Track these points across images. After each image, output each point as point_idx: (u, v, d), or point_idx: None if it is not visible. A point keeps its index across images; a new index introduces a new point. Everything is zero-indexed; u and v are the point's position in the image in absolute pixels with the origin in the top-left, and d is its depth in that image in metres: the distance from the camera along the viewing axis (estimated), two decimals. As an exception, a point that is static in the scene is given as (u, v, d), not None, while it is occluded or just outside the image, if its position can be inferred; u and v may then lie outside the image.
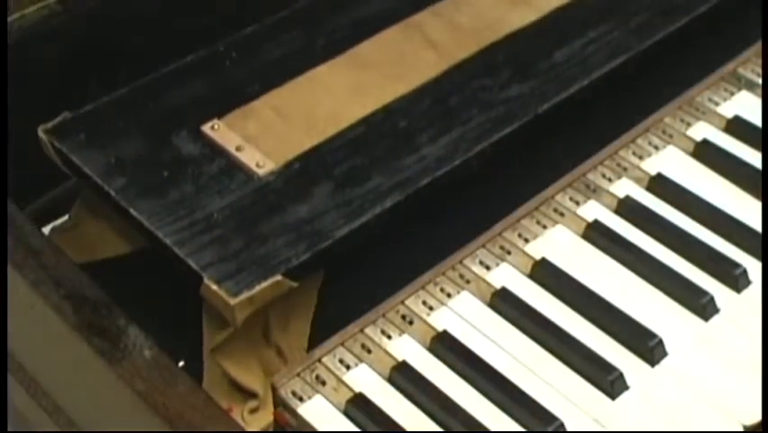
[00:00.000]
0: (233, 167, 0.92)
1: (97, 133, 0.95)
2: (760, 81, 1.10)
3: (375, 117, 0.97)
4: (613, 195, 1.00)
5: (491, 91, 0.99)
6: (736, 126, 1.06)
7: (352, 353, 0.89)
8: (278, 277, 0.85)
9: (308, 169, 0.93)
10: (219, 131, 0.95)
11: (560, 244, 0.96)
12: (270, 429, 0.87)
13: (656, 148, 1.04)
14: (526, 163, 1.00)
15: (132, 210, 0.89)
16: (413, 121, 0.97)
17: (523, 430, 0.84)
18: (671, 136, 1.05)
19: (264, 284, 0.84)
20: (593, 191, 1.00)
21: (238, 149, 0.93)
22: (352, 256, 0.90)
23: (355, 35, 1.04)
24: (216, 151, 0.94)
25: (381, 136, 0.96)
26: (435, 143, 0.95)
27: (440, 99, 0.99)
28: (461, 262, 0.95)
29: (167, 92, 0.99)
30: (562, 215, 0.99)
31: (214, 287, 0.84)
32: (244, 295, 0.83)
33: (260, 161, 0.92)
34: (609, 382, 0.87)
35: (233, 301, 0.83)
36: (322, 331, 0.90)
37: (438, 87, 1.00)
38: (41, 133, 0.94)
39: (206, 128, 0.95)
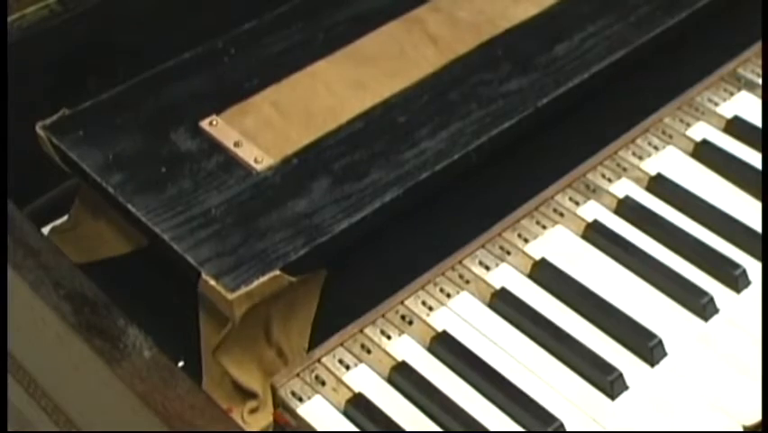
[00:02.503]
0: (232, 163, 0.93)
1: (95, 130, 0.95)
2: (760, 81, 1.10)
3: (374, 112, 0.97)
4: (613, 195, 1.00)
5: (491, 85, 0.99)
6: (736, 126, 1.06)
7: (351, 353, 0.89)
8: (277, 272, 0.85)
9: (307, 164, 0.93)
10: (217, 127, 0.95)
11: (560, 245, 0.96)
12: (270, 430, 0.87)
13: (656, 148, 1.04)
14: (526, 163, 1.00)
15: (129, 206, 0.89)
16: (412, 115, 0.97)
17: (523, 430, 0.84)
18: (670, 136, 1.05)
19: (262, 279, 0.84)
20: (593, 191, 1.00)
21: (236, 144, 0.93)
22: (350, 252, 0.90)
23: (355, 30, 1.04)
24: (214, 147, 0.94)
25: (380, 131, 0.96)
26: (435, 138, 0.95)
27: (439, 94, 0.99)
28: (460, 262, 0.95)
29: (165, 88, 0.99)
30: (561, 215, 0.99)
31: (212, 282, 0.84)
32: (242, 290, 0.83)
33: (258, 156, 0.93)
34: (609, 382, 0.87)
35: (230, 296, 0.83)
36: (322, 331, 0.90)
37: (437, 82, 1.00)
38: (39, 130, 0.95)
39: (205, 124, 0.95)
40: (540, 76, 1.00)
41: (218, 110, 0.96)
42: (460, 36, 1.03)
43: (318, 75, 1.00)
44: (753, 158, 1.03)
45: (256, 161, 0.92)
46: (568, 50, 1.03)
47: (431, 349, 0.89)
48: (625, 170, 1.02)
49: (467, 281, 0.94)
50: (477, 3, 1.07)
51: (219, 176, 0.92)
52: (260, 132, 0.95)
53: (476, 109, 0.97)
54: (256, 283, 0.84)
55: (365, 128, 0.96)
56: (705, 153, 1.04)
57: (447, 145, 0.94)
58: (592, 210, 0.99)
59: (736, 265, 0.94)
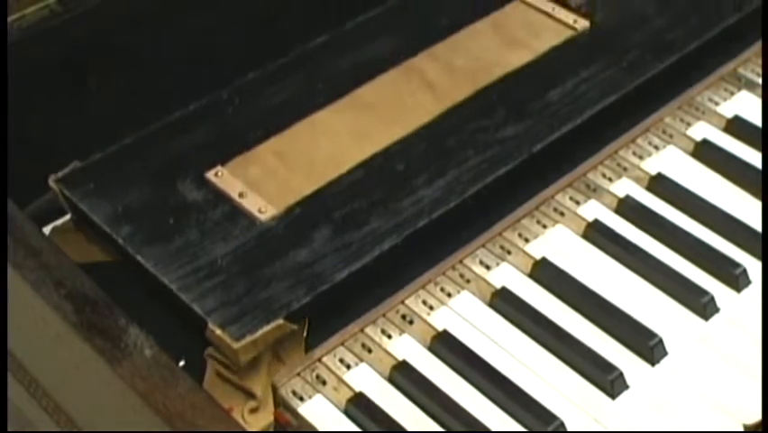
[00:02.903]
0: (236, 213, 0.94)
1: (105, 182, 0.96)
2: (760, 81, 1.10)
3: (374, 161, 0.98)
4: (613, 195, 1.00)
5: (487, 132, 1.01)
6: (736, 126, 1.06)
7: (352, 352, 0.89)
8: (280, 321, 0.86)
9: (309, 213, 0.94)
10: (222, 177, 0.97)
11: (560, 244, 0.96)
12: (271, 429, 0.87)
13: (656, 148, 1.04)
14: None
15: (138, 257, 0.91)
16: (410, 164, 0.98)
17: (523, 430, 0.84)
18: (671, 136, 1.05)
19: (266, 328, 0.86)
20: (593, 191, 1.01)
21: (241, 195, 0.95)
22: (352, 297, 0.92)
23: (354, 79, 1.06)
24: (220, 197, 0.95)
25: (379, 179, 0.97)
26: (432, 185, 0.96)
27: (437, 141, 1.00)
28: (461, 261, 0.95)
29: (172, 140, 1.00)
30: (562, 214, 0.99)
31: (218, 331, 0.85)
32: (247, 339, 0.85)
33: (262, 206, 0.94)
34: (609, 381, 0.87)
35: (236, 345, 0.85)
36: (322, 331, 0.90)
37: (435, 129, 1.01)
38: (51, 183, 0.96)
39: (210, 175, 0.97)
40: (535, 121, 1.02)
41: (223, 161, 0.98)
42: (457, 83, 1.05)
43: (319, 124, 1.02)
44: (753, 157, 1.03)
45: (260, 211, 0.94)
46: (561, 95, 1.04)
47: (431, 348, 0.89)
48: (625, 169, 1.02)
49: (467, 281, 0.94)
50: (473, 50, 1.09)
51: (224, 226, 0.93)
52: (264, 181, 0.96)
53: (472, 156, 0.99)
54: (260, 332, 0.85)
55: (365, 177, 0.97)
56: (705, 153, 1.04)
57: (443, 193, 0.96)
58: (593, 210, 0.99)
59: (736, 264, 0.94)
